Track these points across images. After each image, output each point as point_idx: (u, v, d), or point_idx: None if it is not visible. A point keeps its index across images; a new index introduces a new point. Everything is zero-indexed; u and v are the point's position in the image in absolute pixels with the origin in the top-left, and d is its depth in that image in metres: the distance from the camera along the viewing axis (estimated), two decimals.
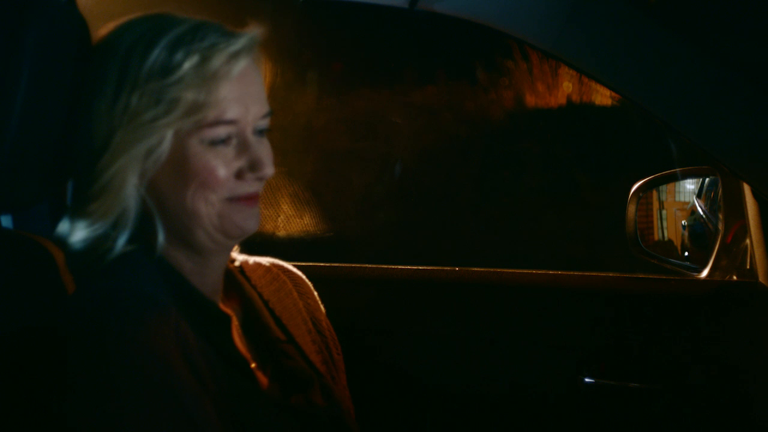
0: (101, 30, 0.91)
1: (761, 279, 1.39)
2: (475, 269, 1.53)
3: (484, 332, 1.47)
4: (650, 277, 1.47)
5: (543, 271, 1.49)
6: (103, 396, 0.76)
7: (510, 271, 1.54)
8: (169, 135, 0.85)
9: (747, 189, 1.42)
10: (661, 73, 1.24)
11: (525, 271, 1.51)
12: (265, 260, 1.14)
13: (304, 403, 0.99)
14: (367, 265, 1.69)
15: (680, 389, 1.35)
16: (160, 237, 0.89)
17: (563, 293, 1.46)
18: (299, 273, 1.17)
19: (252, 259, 1.11)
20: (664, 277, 1.48)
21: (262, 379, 0.97)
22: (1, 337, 0.87)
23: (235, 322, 0.97)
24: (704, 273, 1.49)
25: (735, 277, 1.45)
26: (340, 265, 1.61)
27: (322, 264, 1.62)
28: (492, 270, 1.54)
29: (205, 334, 0.90)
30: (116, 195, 0.86)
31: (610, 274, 1.51)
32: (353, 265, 1.64)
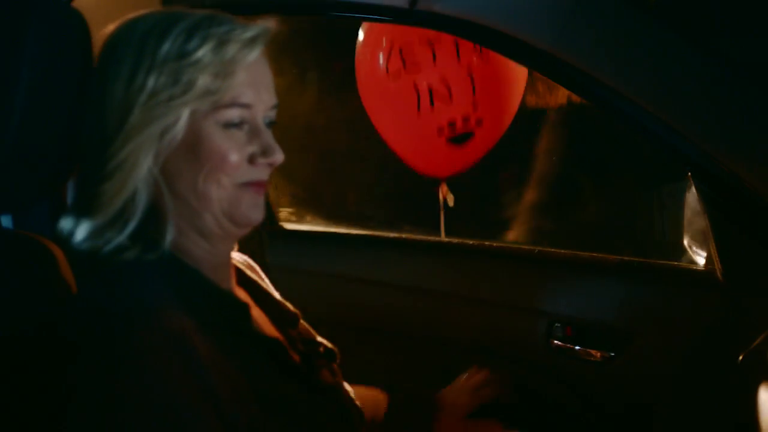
0: (114, 24, 0.92)
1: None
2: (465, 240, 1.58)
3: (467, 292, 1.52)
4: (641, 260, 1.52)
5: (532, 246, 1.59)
6: (97, 407, 0.75)
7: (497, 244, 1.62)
8: (185, 115, 0.86)
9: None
10: (661, 73, 1.24)
11: (513, 245, 1.60)
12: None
13: (331, 380, 1.03)
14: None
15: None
16: (169, 234, 0.89)
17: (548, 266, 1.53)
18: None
19: None
20: (660, 263, 1.53)
21: (295, 356, 0.99)
22: (3, 338, 0.87)
23: (252, 310, 0.97)
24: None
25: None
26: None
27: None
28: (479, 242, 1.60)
29: (226, 325, 0.90)
30: (129, 175, 0.86)
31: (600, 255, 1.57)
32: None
